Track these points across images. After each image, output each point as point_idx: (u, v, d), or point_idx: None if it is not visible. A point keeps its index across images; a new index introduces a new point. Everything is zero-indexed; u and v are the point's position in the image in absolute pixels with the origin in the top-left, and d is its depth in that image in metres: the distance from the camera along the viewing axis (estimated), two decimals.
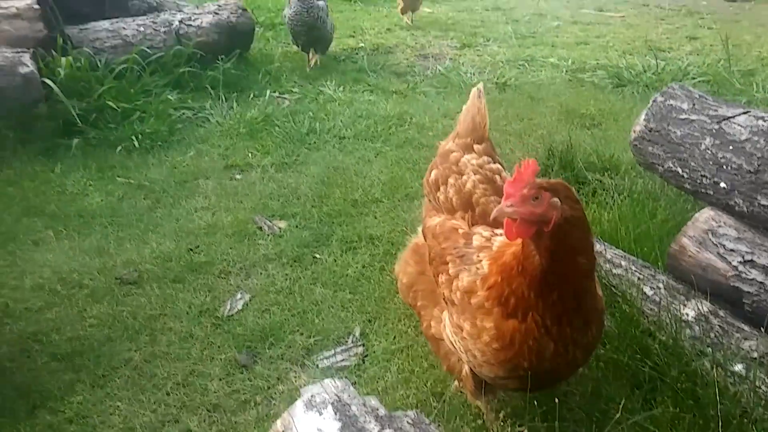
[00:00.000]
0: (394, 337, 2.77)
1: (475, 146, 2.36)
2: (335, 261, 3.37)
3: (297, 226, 3.70)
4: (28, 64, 4.54)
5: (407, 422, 1.67)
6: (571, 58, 7.06)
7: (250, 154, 4.64)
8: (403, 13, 8.03)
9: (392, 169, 4.44)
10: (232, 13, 6.22)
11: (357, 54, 7.25)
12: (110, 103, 4.87)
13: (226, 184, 4.23)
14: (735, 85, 5.76)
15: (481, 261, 1.98)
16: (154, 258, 3.32)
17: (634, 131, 3.03)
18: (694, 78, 6.03)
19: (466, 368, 2.11)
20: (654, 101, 2.99)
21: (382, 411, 1.73)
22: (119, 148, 4.54)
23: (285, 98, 5.85)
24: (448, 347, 2.14)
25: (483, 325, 1.89)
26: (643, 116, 3.01)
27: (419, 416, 1.72)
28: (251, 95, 5.72)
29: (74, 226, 3.61)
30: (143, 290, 3.07)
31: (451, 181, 2.26)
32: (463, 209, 2.21)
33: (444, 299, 2.12)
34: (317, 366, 2.64)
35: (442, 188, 2.29)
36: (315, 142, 4.86)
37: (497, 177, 2.25)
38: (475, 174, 2.24)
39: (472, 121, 2.40)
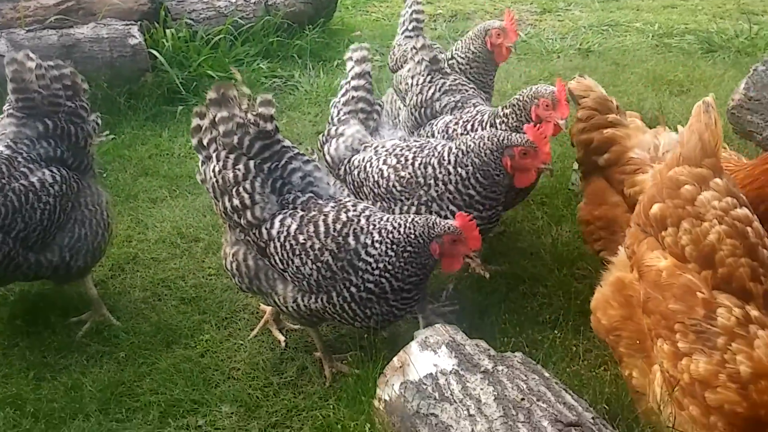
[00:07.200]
0: None
1: (715, 181, 1.91)
2: None
3: None
4: (136, 36, 4.88)
5: (517, 361, 1.86)
6: (657, 22, 6.86)
7: None
8: None
9: None
10: None
11: (435, 21, 7.28)
12: (209, 72, 5.19)
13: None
14: None
15: (729, 351, 1.71)
16: None
17: (733, 99, 3.05)
18: None
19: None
20: (755, 70, 2.98)
21: (492, 351, 1.92)
22: None
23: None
24: (650, 405, 1.95)
25: (716, 424, 1.73)
26: (743, 85, 3.01)
27: (526, 358, 1.90)
28: (336, 63, 5.90)
29: (185, 186, 3.94)
30: None
31: (686, 225, 1.88)
32: (700, 265, 1.84)
33: (662, 368, 1.88)
34: None
35: (670, 230, 1.91)
36: None
37: (748, 229, 1.83)
38: (720, 223, 1.83)
39: (699, 143, 1.94)
